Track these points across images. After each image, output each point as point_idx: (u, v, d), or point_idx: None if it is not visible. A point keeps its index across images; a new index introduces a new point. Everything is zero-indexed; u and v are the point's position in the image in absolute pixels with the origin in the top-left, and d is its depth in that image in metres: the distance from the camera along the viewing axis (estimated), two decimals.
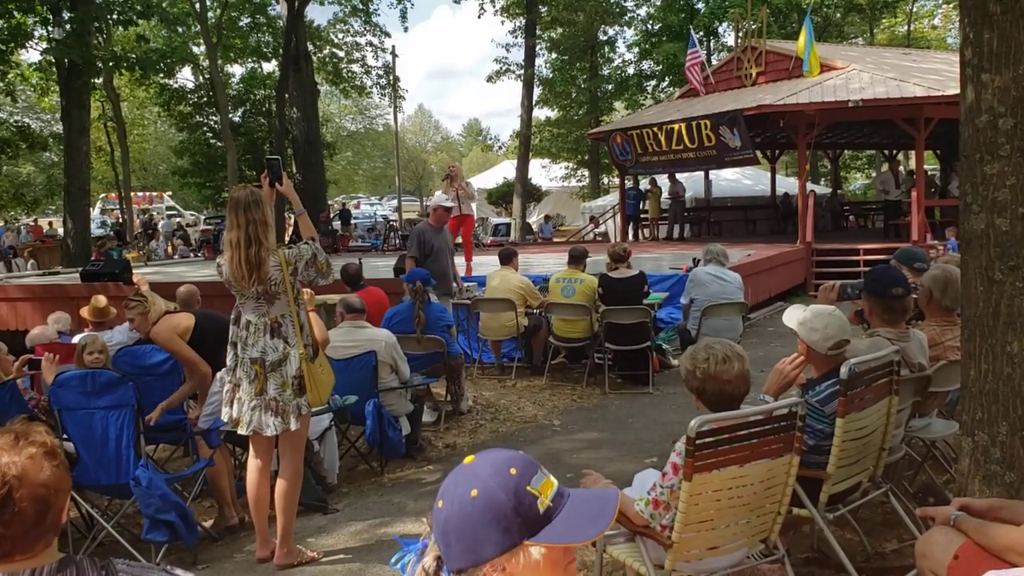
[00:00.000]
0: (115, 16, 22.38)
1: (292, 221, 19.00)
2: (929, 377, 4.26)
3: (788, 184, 25.62)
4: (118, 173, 33.34)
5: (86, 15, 20.77)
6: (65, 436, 4.61)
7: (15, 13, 20.77)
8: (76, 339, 7.07)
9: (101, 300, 7.76)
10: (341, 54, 33.49)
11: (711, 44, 34.47)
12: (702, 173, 23.45)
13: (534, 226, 31.29)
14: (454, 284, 9.31)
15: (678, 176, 21.02)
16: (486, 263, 12.75)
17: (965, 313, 3.48)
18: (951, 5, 38.04)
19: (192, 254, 27.06)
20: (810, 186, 19.39)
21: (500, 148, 47.56)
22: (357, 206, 44.31)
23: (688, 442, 2.92)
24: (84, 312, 7.68)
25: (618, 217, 23.48)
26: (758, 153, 20.40)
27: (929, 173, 20.36)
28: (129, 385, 4.61)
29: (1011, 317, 3.27)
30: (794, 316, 3.77)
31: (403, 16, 39.04)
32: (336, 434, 6.11)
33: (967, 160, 3.36)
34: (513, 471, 1.40)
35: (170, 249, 29.37)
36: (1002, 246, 3.25)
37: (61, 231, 26.44)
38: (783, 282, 14.30)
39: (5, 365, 5.22)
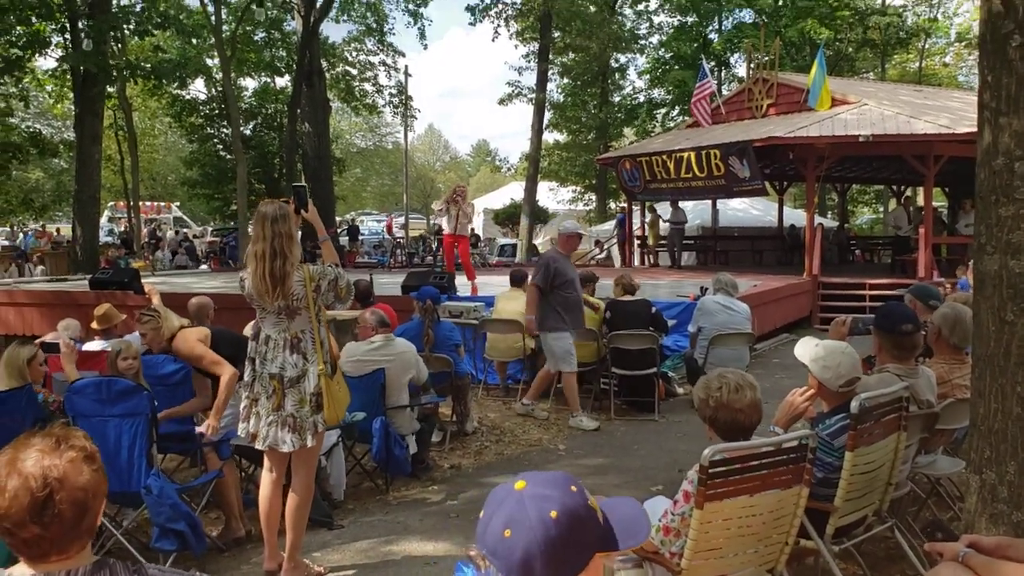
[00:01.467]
0: (132, 26, 22.57)
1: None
2: (937, 414, 4.29)
3: (796, 216, 25.67)
4: (127, 182, 33.50)
5: (103, 24, 20.94)
6: None
7: (33, 20, 20.96)
8: (89, 346, 7.12)
9: (105, 307, 7.84)
10: (354, 72, 33.71)
11: (723, 74, 34.70)
12: (710, 202, 23.53)
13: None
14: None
15: (683, 204, 21.07)
16: (492, 283, 12.81)
17: (976, 352, 3.52)
18: (963, 44, 38.28)
19: (190, 263, 27.05)
20: (818, 219, 19.46)
21: (508, 169, 47.74)
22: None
23: (701, 471, 2.96)
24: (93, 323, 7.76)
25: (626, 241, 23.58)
26: (767, 184, 20.48)
27: (937, 210, 20.44)
28: (144, 394, 4.65)
29: (1022, 357, 3.30)
30: (807, 352, 3.81)
31: (421, 35, 39.44)
32: (343, 450, 6.14)
33: (983, 201, 3.41)
34: (574, 488, 1.43)
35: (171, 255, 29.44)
36: (1015, 287, 3.29)
37: (69, 237, 26.55)
38: (789, 314, 14.33)
39: (36, 374, 5.26)
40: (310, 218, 4.62)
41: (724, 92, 25.58)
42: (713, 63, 32.52)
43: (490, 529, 1.42)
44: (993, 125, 3.34)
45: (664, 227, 21.94)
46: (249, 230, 4.46)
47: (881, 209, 37.09)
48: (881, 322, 4.25)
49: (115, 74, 23.17)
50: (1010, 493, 3.34)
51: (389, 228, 34.25)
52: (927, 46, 40.29)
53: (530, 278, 8.56)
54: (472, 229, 31.82)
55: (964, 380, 4.25)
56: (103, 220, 34.90)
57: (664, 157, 18.65)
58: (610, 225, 30.39)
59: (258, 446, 4.41)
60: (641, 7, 36.48)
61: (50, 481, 1.67)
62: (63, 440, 1.74)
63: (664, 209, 21.84)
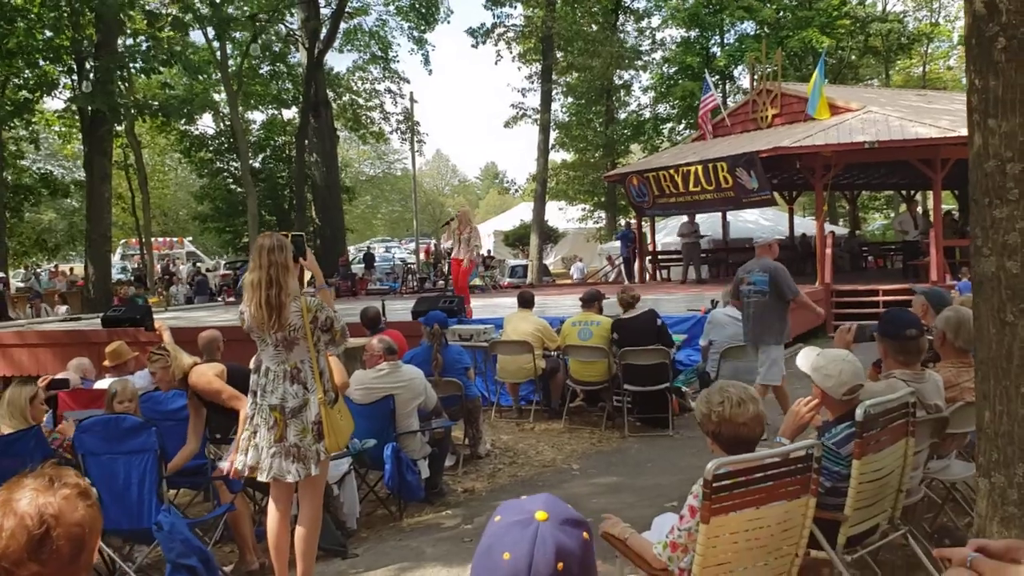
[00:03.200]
0: (138, 64, 22.85)
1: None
2: (946, 418, 4.26)
3: (807, 225, 25.62)
4: (139, 219, 33.77)
5: (110, 64, 21.21)
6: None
7: (41, 63, 21.26)
8: (100, 384, 7.16)
9: (116, 345, 7.86)
10: (361, 101, 33.93)
11: (727, 87, 34.73)
12: (720, 215, 23.50)
13: (572, 270, 31.43)
14: None
15: (698, 217, 21.04)
16: (503, 305, 12.82)
17: (978, 355, 3.50)
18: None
19: (196, 297, 27.06)
20: (828, 227, 19.39)
21: (516, 191, 47.89)
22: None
23: (705, 485, 2.95)
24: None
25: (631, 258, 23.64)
26: (776, 194, 20.44)
27: (951, 213, 20.35)
28: (152, 430, 4.67)
29: None
30: (807, 361, 3.80)
31: (426, 60, 39.47)
32: (355, 478, 6.14)
33: (976, 204, 3.41)
34: (586, 536, 1.45)
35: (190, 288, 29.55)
36: (1013, 288, 3.28)
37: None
38: (803, 324, 14.24)
39: (37, 413, 5.28)
40: (309, 266, 4.66)
41: (729, 104, 25.63)
42: (717, 76, 32.59)
43: (493, 537, 1.41)
44: (982, 128, 3.34)
45: (677, 241, 21.89)
46: None
47: (892, 215, 36.95)
48: (885, 328, 4.24)
49: (123, 113, 23.43)
50: (1020, 496, 3.31)
51: (428, 253, 34.18)
52: (930, 51, 40.29)
53: (787, 294, 7.87)
54: (488, 251, 31.98)
55: (972, 383, 4.22)
56: (116, 258, 35.19)
57: (671, 172, 18.67)
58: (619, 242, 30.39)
59: (261, 478, 4.42)
60: (643, 24, 36.69)
61: (46, 518, 1.68)
62: (56, 478, 1.76)
63: (675, 224, 21.82)
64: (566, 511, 1.42)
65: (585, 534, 1.42)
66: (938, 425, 4.25)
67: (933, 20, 39.79)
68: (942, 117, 16.33)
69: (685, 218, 20.54)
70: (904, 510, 4.08)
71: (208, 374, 5.33)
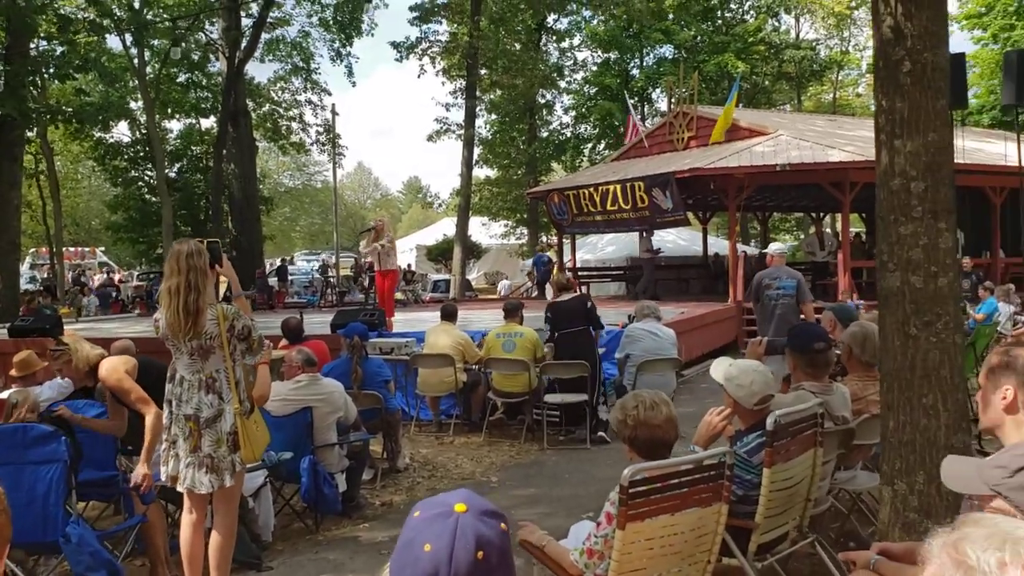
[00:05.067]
0: (52, 69, 22.18)
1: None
2: (853, 430, 4.42)
3: (720, 245, 26.19)
4: (49, 228, 32.71)
5: (22, 68, 20.55)
6: None
7: None
8: (4, 395, 6.91)
9: (24, 354, 7.59)
10: (281, 111, 33.51)
11: (645, 109, 35.39)
12: (637, 233, 23.87)
13: (500, 287, 31.46)
14: None
15: (618, 236, 21.28)
16: (425, 319, 12.79)
17: (883, 367, 3.65)
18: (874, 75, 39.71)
19: (96, 308, 26.27)
20: (741, 247, 19.84)
21: (440, 206, 47.86)
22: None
23: (621, 491, 3.01)
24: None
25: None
26: (691, 214, 20.84)
27: (863, 236, 21.05)
28: (61, 439, 4.53)
29: (926, 370, 3.44)
30: (720, 371, 3.91)
31: (349, 72, 39.01)
32: (271, 491, 6.05)
33: (883, 221, 3.56)
34: (503, 526, 1.47)
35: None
36: (916, 302, 3.43)
37: None
38: (716, 339, 14.57)
39: None
40: (225, 273, 4.60)
41: (648, 125, 26.11)
42: (635, 98, 33.20)
43: (413, 531, 1.43)
44: (889, 148, 3.51)
45: (595, 259, 22.12)
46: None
47: (802, 236, 38.04)
48: (794, 341, 4.38)
49: (35, 118, 22.71)
50: (920, 502, 3.46)
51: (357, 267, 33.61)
52: (840, 78, 41.80)
53: (807, 298, 8.89)
54: (409, 265, 31.80)
55: (877, 396, 4.38)
56: (24, 267, 33.98)
57: (591, 190, 18.94)
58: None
59: (179, 488, 4.34)
60: (565, 44, 37.16)
61: None
62: None
63: (595, 241, 22.03)
64: (484, 504, 1.46)
65: (503, 525, 1.45)
66: (845, 436, 4.40)
67: (844, 49, 41.32)
68: (852, 142, 16.92)
69: (643, 235, 20.53)
70: (812, 519, 4.21)
71: (119, 370, 5.10)
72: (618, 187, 17.92)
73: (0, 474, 4.40)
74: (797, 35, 40.86)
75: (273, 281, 29.06)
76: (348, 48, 30.74)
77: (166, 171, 28.09)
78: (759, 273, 9.24)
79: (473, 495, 1.48)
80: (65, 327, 11.97)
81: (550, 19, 35.02)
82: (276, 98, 33.59)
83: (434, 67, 32.58)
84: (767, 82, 37.22)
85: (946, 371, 3.42)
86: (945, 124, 3.45)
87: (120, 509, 5.67)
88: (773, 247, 9.75)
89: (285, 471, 6.13)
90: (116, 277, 37.74)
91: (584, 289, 23.44)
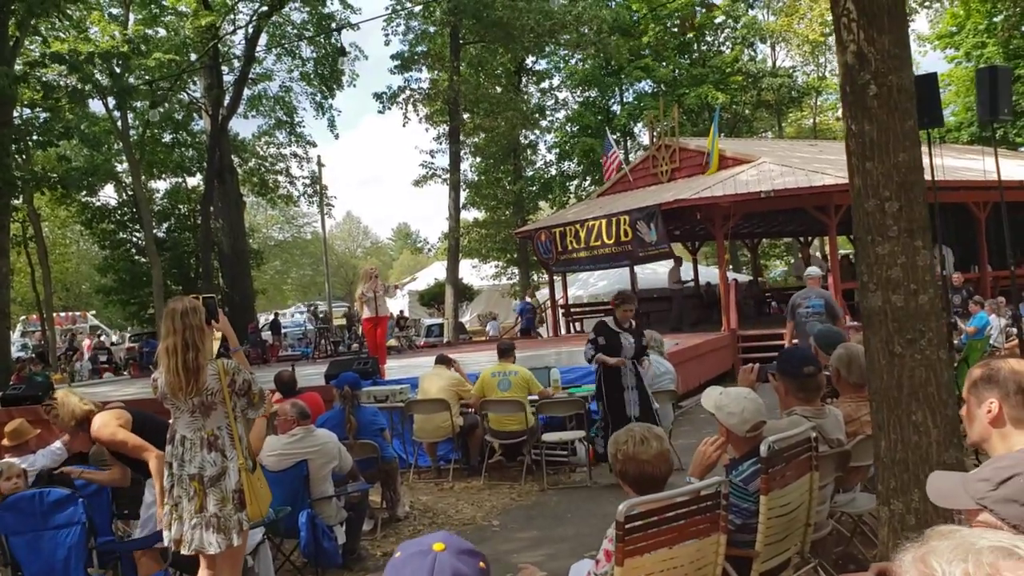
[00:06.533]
0: (35, 138, 22.26)
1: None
2: (848, 452, 4.41)
3: (711, 274, 26.25)
4: (39, 294, 32.66)
5: (5, 137, 20.63)
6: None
7: None
8: None
9: (16, 423, 7.55)
10: (267, 165, 33.70)
11: (627, 144, 35.70)
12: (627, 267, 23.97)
13: (488, 328, 31.37)
14: None
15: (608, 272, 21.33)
16: (419, 365, 12.76)
17: (872, 387, 3.66)
18: None
19: (89, 372, 26.24)
20: (732, 275, 19.89)
21: (430, 250, 47.95)
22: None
23: (618, 527, 3.00)
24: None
25: (548, 312, 23.85)
26: (681, 244, 20.88)
27: (851, 257, 21.13)
28: (79, 502, 4.50)
29: (913, 388, 3.45)
30: (712, 400, 3.91)
31: (331, 124, 39.25)
32: (270, 547, 6.00)
33: (860, 242, 3.59)
34: (483, 565, 1.55)
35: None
36: (899, 321, 3.46)
37: None
38: (712, 369, 14.57)
39: None
40: (221, 328, 4.59)
41: (630, 159, 26.32)
42: (617, 134, 33.48)
43: (392, 570, 1.49)
44: (861, 170, 3.55)
45: (586, 294, 22.14)
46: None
47: (792, 261, 38.22)
48: (783, 366, 4.39)
49: (20, 187, 22.76)
50: (917, 521, 3.45)
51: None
52: (819, 103, 42.24)
53: (837, 315, 9.70)
54: (402, 311, 31.76)
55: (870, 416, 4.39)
56: (15, 335, 33.85)
57: (576, 227, 19.06)
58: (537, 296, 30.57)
59: (184, 551, 4.29)
60: (545, 84, 37.56)
61: None
62: None
63: (586, 278, 22.05)
64: (463, 543, 1.49)
65: (481, 564, 1.47)
66: (841, 459, 4.39)
67: (820, 74, 41.79)
68: (835, 165, 17.06)
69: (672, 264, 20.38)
70: (813, 544, 4.19)
71: (111, 425, 5.01)
72: (603, 222, 18.03)
73: (21, 544, 4.36)
74: (774, 63, 41.37)
75: (267, 335, 29.01)
76: (330, 101, 31.06)
77: (154, 231, 28.15)
78: (795, 294, 10.27)
79: (452, 536, 1.52)
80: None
81: (529, 60, 35.42)
82: (262, 152, 33.80)
83: (417, 114, 32.86)
84: (747, 111, 37.62)
85: (933, 387, 3.43)
86: (915, 144, 3.50)
87: (118, 574, 5.61)
88: (810, 270, 10.65)
89: (283, 526, 6.08)
90: (111, 340, 37.61)
91: (577, 327, 23.51)
